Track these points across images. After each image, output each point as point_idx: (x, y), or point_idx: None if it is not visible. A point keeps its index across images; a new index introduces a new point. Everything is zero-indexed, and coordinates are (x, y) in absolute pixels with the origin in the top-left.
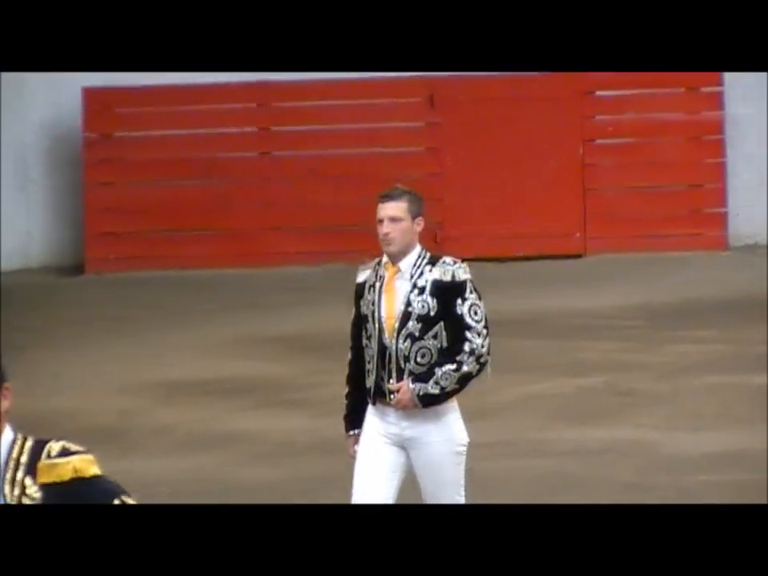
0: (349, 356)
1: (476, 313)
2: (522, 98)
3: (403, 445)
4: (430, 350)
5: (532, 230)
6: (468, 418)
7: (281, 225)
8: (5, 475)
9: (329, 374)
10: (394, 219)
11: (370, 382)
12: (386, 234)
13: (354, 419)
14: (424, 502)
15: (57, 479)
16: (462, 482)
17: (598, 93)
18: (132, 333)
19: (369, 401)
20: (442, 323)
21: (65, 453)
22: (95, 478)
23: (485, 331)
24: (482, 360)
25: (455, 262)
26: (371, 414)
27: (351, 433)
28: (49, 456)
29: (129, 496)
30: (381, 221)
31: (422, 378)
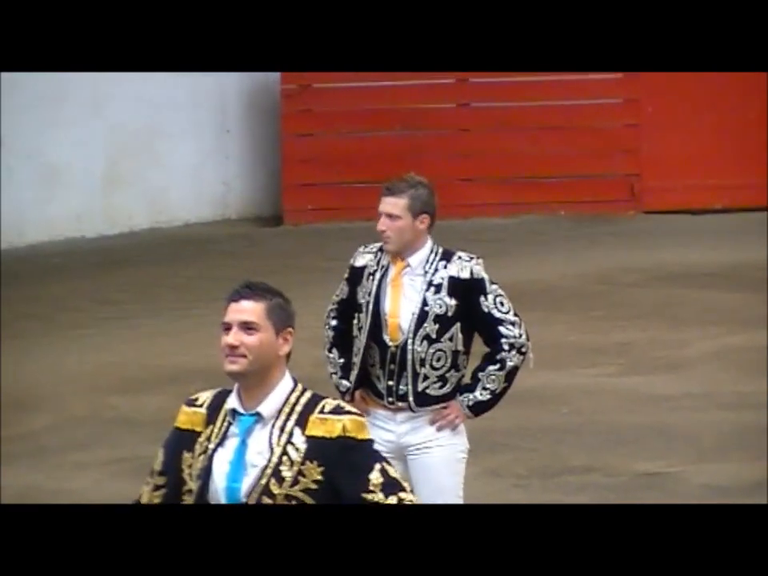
0: (329, 336)
1: (502, 304)
2: None
3: (400, 453)
4: (445, 352)
5: (730, 182)
6: (660, 370)
7: (477, 176)
8: (276, 421)
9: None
10: (390, 216)
11: (352, 377)
12: (382, 232)
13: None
14: None
15: (325, 434)
16: (461, 492)
17: None
18: (330, 284)
19: (346, 398)
20: (458, 324)
21: (338, 411)
22: (363, 441)
23: (517, 319)
24: (523, 350)
25: (471, 258)
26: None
27: (355, 392)
28: (322, 411)
29: (390, 465)
30: (380, 215)
31: (467, 387)
